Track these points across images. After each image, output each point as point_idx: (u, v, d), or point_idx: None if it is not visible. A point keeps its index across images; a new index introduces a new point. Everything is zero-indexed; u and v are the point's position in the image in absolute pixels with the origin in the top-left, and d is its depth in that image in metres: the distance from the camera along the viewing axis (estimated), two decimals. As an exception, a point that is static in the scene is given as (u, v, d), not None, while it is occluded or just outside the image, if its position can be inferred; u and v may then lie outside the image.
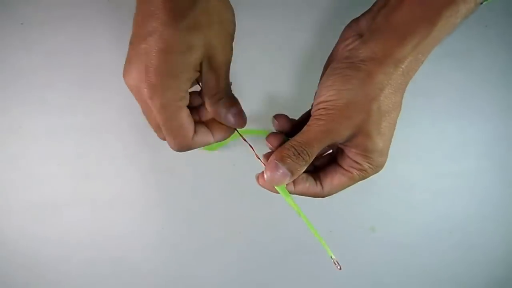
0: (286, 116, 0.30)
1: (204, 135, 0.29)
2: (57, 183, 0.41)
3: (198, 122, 0.29)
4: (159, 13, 0.23)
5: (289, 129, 0.30)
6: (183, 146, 0.28)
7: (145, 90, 0.24)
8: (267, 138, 0.29)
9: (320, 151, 0.27)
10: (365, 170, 0.27)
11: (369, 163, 0.26)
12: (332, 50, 0.29)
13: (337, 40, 0.29)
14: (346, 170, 0.28)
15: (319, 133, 0.25)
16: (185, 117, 0.26)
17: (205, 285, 0.44)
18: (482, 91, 0.43)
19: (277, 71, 0.41)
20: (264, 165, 0.28)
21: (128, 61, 0.25)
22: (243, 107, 0.29)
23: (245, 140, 0.31)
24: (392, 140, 0.27)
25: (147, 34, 0.23)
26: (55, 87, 0.40)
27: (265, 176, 0.26)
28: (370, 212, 0.44)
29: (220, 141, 0.30)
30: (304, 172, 0.27)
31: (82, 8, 0.40)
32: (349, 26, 0.28)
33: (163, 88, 0.24)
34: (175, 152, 0.29)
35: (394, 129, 0.26)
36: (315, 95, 0.28)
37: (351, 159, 0.27)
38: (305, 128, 0.26)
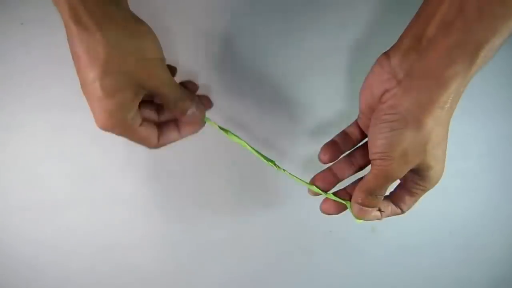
0: (335, 146, 0.33)
1: (169, 135, 0.33)
2: (57, 183, 0.41)
3: (162, 123, 0.33)
4: (86, 69, 0.26)
5: (335, 158, 0.33)
6: (152, 148, 0.32)
7: (103, 128, 0.29)
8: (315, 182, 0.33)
9: None
10: (426, 188, 0.31)
11: (431, 185, 0.31)
12: (366, 85, 0.29)
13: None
14: (412, 191, 0.31)
15: (381, 180, 0.29)
16: (142, 132, 0.30)
17: (205, 285, 0.44)
18: (483, 90, 0.43)
19: (279, 73, 0.41)
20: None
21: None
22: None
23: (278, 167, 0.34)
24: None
25: (84, 85, 0.27)
26: (55, 86, 0.40)
27: (355, 213, 0.32)
28: (370, 212, 0.44)
29: (189, 135, 0.34)
30: (385, 200, 0.32)
31: (82, 8, 0.40)
32: (380, 65, 0.28)
33: (114, 125, 0.28)
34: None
35: (446, 147, 0.29)
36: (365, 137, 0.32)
37: (414, 182, 0.30)
38: (367, 176, 0.30)
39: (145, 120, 0.31)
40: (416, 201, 0.32)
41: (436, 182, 0.30)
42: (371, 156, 0.29)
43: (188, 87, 0.34)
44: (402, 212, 0.33)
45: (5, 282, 0.42)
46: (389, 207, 0.32)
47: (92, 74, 0.26)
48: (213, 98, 0.37)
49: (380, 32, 0.39)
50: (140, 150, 0.42)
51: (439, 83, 0.24)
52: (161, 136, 0.32)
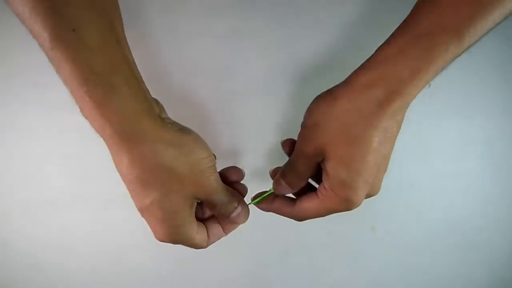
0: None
1: (215, 233, 0.32)
2: (57, 183, 0.41)
3: (205, 219, 0.33)
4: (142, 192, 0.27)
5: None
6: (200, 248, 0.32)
7: (162, 241, 0.30)
8: (283, 144, 0.34)
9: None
10: (329, 198, 0.28)
11: (333, 191, 0.28)
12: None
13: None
14: (316, 194, 0.30)
15: (294, 155, 0.30)
16: (197, 239, 0.30)
17: (205, 285, 0.44)
18: (483, 90, 0.43)
19: (278, 73, 0.41)
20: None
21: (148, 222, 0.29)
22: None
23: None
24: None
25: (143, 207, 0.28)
26: (55, 86, 0.40)
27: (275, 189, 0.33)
28: (370, 212, 0.44)
29: (232, 230, 0.34)
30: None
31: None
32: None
33: (174, 240, 0.29)
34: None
35: (363, 164, 0.26)
36: None
37: (322, 185, 0.29)
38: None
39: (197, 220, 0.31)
40: (312, 209, 0.31)
41: (340, 198, 0.28)
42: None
43: (233, 178, 0.33)
44: (292, 211, 0.33)
45: (5, 282, 0.42)
46: (282, 204, 0.34)
47: (149, 199, 0.26)
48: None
49: (375, 32, 0.39)
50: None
51: (373, 68, 0.27)
52: (209, 240, 0.32)
